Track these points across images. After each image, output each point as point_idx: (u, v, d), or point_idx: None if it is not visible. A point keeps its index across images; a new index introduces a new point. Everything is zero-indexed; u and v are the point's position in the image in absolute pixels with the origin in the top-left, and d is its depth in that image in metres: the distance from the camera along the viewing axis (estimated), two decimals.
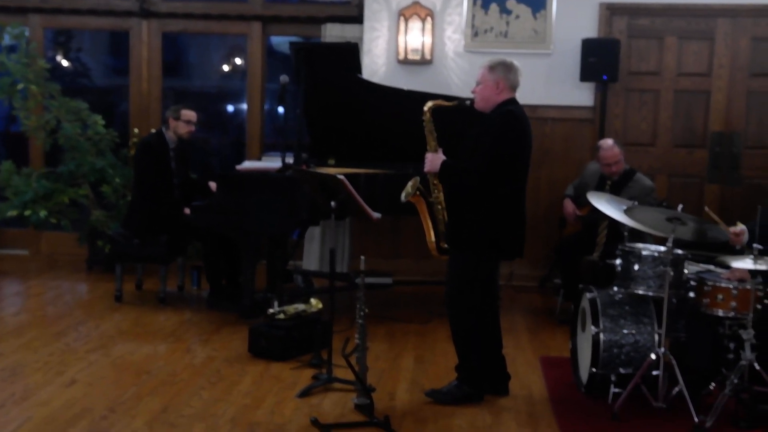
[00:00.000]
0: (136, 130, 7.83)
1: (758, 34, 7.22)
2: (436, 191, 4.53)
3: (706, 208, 5.20)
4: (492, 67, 4.47)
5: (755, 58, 7.24)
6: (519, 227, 4.50)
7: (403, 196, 4.47)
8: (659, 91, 7.37)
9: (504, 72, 4.46)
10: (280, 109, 6.80)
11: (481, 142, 4.34)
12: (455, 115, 4.66)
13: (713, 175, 6.80)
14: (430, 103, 4.52)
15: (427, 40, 7.31)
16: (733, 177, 6.71)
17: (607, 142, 6.20)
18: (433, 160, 4.45)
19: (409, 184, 4.47)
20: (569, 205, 6.39)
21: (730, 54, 7.25)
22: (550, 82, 7.28)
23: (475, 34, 7.33)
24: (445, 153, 4.47)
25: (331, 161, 6.63)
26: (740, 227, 4.70)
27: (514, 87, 4.50)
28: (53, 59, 8.42)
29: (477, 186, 4.36)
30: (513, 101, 4.48)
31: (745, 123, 7.29)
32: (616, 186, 6.10)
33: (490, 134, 4.33)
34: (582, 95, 7.31)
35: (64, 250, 8.04)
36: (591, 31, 7.21)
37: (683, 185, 7.37)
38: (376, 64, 7.41)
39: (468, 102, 4.55)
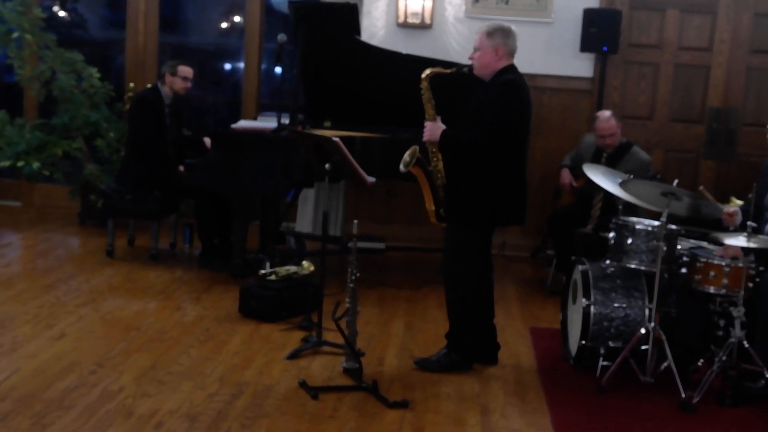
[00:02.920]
0: (131, 85, 7.77)
1: (760, 10, 7.16)
2: (435, 159, 4.48)
3: (701, 188, 5.21)
4: (490, 33, 4.42)
5: (756, 34, 7.19)
6: (520, 194, 4.49)
7: (402, 166, 4.42)
8: (659, 64, 7.32)
9: (503, 38, 4.42)
10: (277, 69, 6.74)
11: (483, 112, 4.31)
12: (453, 82, 4.62)
13: (709, 151, 6.79)
14: (427, 71, 4.46)
15: (428, 3, 7.23)
16: (729, 153, 6.70)
17: (605, 113, 6.17)
18: (433, 129, 4.41)
19: (407, 153, 4.42)
20: (566, 176, 6.37)
21: (732, 29, 7.20)
22: (550, 52, 7.23)
23: (476, 0, 7.26)
24: (443, 120, 4.44)
25: (327, 123, 6.59)
26: (733, 208, 4.70)
27: (512, 53, 4.46)
28: (49, 9, 8.31)
29: (478, 156, 4.33)
30: (512, 68, 4.44)
31: (744, 100, 7.26)
32: (612, 158, 6.08)
33: (492, 104, 4.29)
34: (581, 66, 7.26)
35: (56, 203, 8.00)
36: (593, 0, 7.15)
37: (679, 160, 7.35)
38: (375, 27, 7.34)
39: (466, 69, 4.51)
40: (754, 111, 7.25)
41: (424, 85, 4.46)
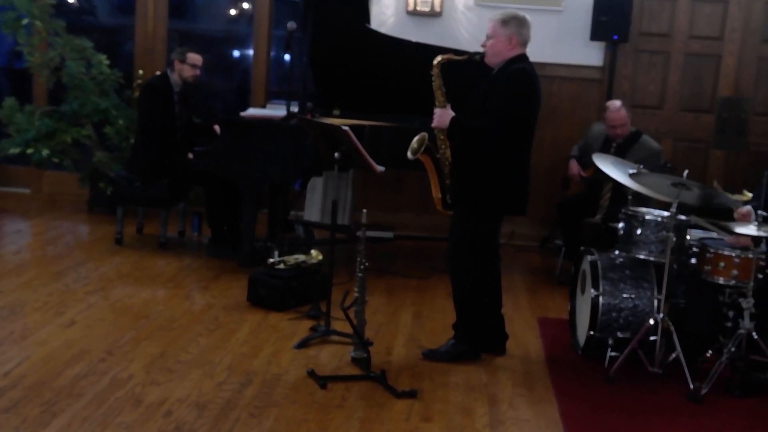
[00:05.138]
0: (140, 72, 7.77)
1: None
2: (443, 147, 4.48)
3: (715, 183, 5.17)
4: (505, 21, 4.40)
5: None
6: (523, 185, 4.48)
7: (410, 153, 4.43)
8: (670, 53, 7.29)
9: (517, 27, 4.39)
10: (287, 57, 6.71)
11: (491, 100, 4.30)
12: (463, 69, 4.60)
13: (719, 141, 6.76)
14: (439, 58, 4.46)
15: None
16: (739, 143, 6.67)
17: (615, 104, 6.15)
18: (442, 115, 4.40)
19: (416, 140, 4.42)
20: (574, 167, 6.36)
21: (743, 18, 7.16)
22: (560, 40, 7.20)
23: None
24: (453, 108, 4.43)
25: (336, 111, 6.58)
26: (746, 208, 4.61)
27: (525, 42, 4.45)
28: None
29: (484, 144, 4.33)
30: (524, 57, 4.42)
31: (755, 89, 7.23)
32: (621, 148, 6.06)
33: (501, 93, 4.28)
34: (591, 54, 7.24)
35: (66, 190, 8.01)
36: None
37: (688, 150, 7.33)
38: (385, 15, 7.32)
39: (478, 56, 4.49)
40: (764, 100, 7.23)
41: (435, 71, 4.45)
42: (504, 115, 4.25)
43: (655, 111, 7.35)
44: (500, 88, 4.31)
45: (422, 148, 4.42)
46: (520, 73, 4.32)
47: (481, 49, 4.49)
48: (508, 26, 4.38)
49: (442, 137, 4.48)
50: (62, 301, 5.10)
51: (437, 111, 4.43)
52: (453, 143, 4.48)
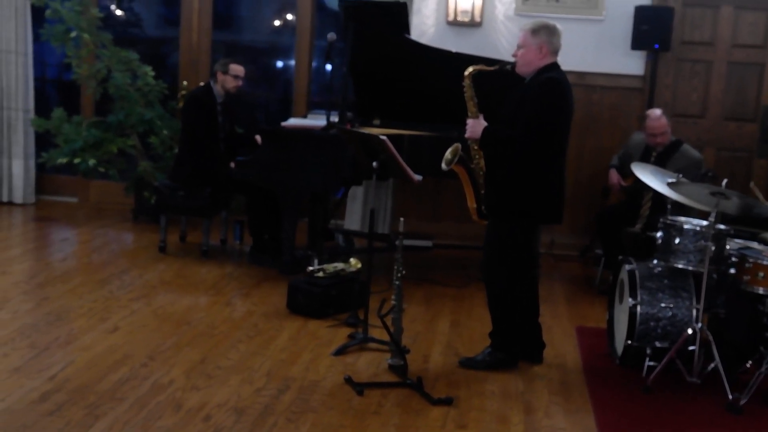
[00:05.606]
0: (185, 83, 7.90)
1: None
2: (477, 157, 4.51)
3: (752, 184, 5.14)
4: (535, 31, 4.42)
5: None
6: (557, 194, 4.47)
7: (444, 164, 4.46)
8: (712, 62, 7.24)
9: (547, 36, 4.41)
10: (328, 67, 6.77)
11: (523, 110, 4.31)
12: (495, 79, 4.62)
13: (763, 150, 6.69)
14: (470, 69, 4.48)
15: (478, 1, 7.23)
16: None
17: (655, 112, 6.13)
18: (474, 126, 4.43)
19: (449, 151, 4.45)
20: (614, 176, 6.34)
21: None
22: (601, 49, 7.18)
23: None
24: (485, 117, 4.46)
25: (376, 121, 6.64)
26: None
27: (556, 51, 4.45)
28: (106, 8, 8.47)
29: (518, 154, 4.34)
30: (555, 66, 4.43)
31: None
32: (661, 157, 6.03)
33: (532, 102, 4.29)
34: (632, 64, 7.21)
35: (111, 199, 8.18)
36: None
37: (731, 159, 7.26)
38: (425, 25, 7.36)
39: (509, 66, 4.51)
40: None
41: (467, 82, 4.48)
42: (535, 125, 4.27)
43: (697, 120, 7.30)
44: (531, 97, 4.32)
45: (456, 159, 4.45)
46: (551, 82, 4.33)
47: (513, 59, 4.52)
48: (538, 35, 4.40)
49: (475, 147, 4.51)
50: (106, 308, 5.20)
51: (470, 122, 4.46)
52: (486, 153, 4.50)
